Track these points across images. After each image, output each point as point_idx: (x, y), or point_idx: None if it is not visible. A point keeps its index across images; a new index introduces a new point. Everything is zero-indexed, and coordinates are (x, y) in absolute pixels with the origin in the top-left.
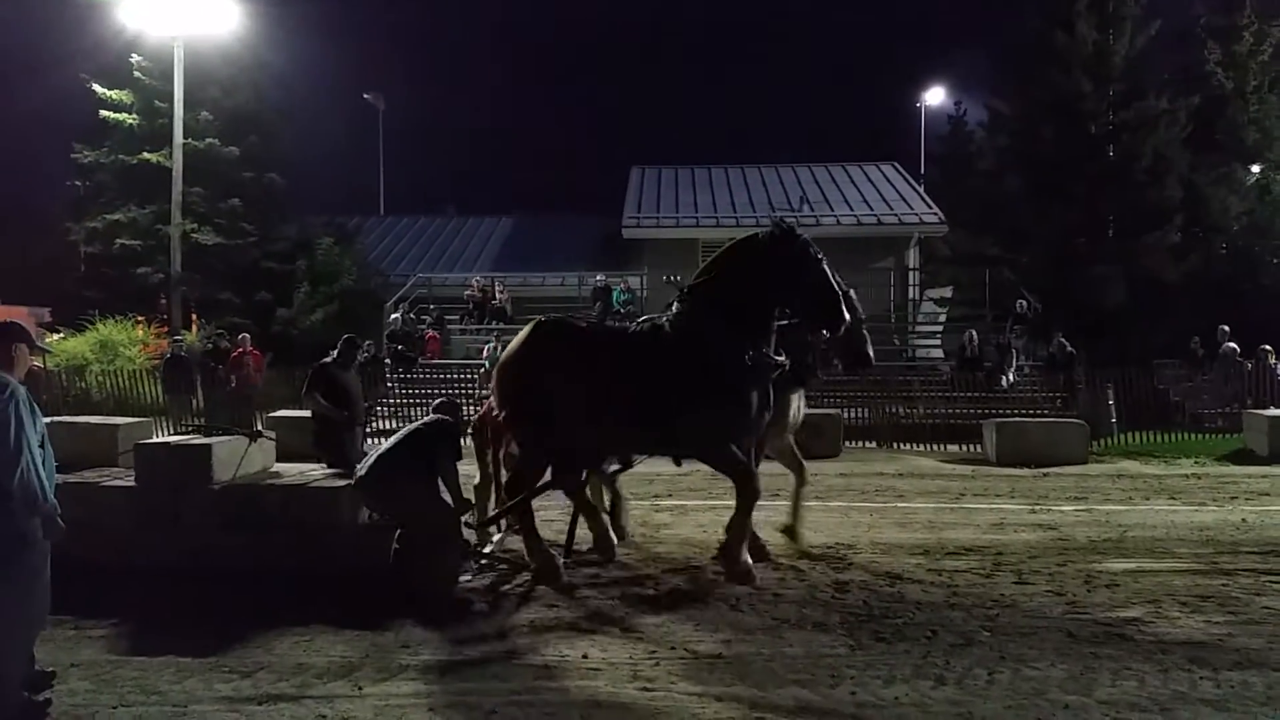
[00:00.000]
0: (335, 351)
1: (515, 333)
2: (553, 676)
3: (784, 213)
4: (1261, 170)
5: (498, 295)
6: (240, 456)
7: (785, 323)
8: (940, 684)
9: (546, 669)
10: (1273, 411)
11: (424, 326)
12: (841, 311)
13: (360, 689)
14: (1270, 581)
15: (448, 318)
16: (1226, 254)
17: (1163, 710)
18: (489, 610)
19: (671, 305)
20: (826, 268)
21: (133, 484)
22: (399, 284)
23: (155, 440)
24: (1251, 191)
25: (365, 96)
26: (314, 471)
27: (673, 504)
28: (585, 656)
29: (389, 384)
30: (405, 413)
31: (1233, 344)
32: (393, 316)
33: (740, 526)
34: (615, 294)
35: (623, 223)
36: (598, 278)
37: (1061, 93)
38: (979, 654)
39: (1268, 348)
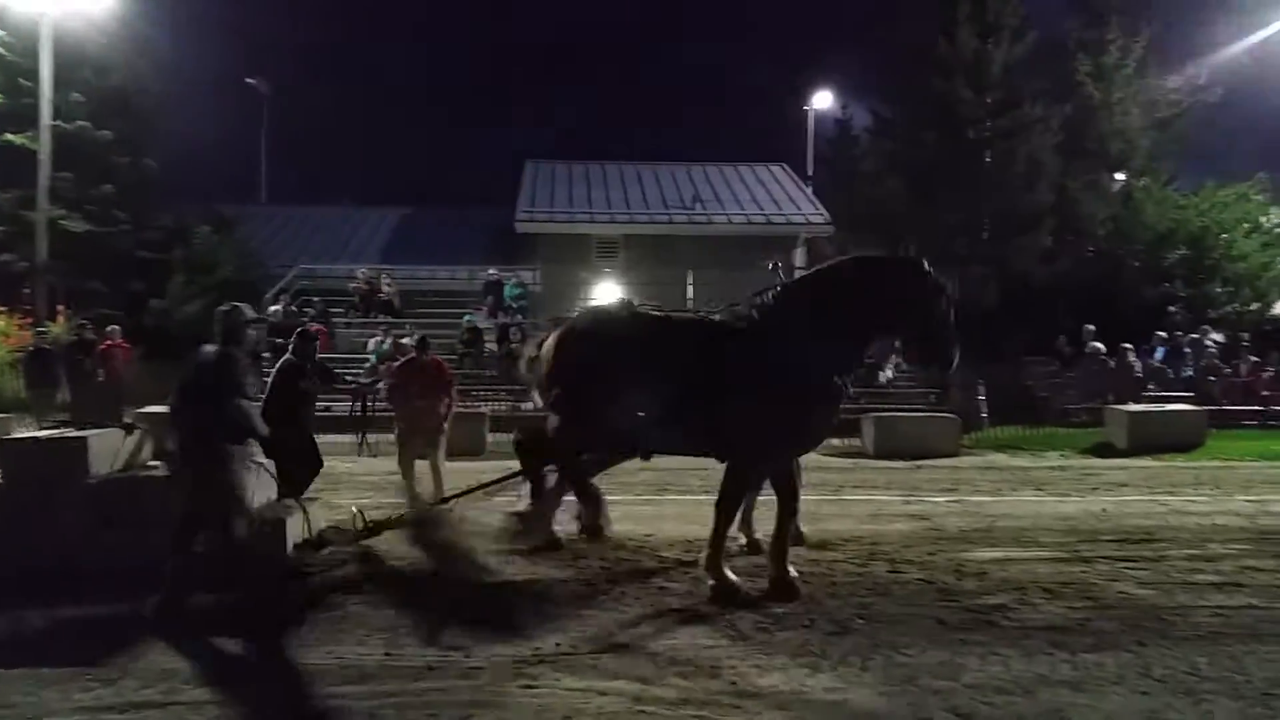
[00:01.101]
0: (291, 347)
1: (403, 327)
2: (434, 676)
3: (676, 211)
4: (1126, 178)
5: (385, 288)
6: (118, 452)
7: None
8: (816, 671)
9: (428, 669)
10: (1132, 407)
11: (306, 319)
12: (953, 355)
13: (233, 693)
14: (1126, 568)
15: (332, 310)
16: (1093, 257)
17: (1025, 692)
18: (365, 606)
19: (764, 295)
20: (951, 309)
21: None
22: (280, 275)
23: (22, 435)
24: (1117, 198)
25: (249, 81)
26: None
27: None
28: (467, 655)
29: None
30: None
31: (1097, 343)
32: (272, 309)
33: (783, 543)
34: (508, 288)
35: (516, 216)
36: (490, 271)
37: (942, 99)
38: (854, 641)
39: (1129, 346)
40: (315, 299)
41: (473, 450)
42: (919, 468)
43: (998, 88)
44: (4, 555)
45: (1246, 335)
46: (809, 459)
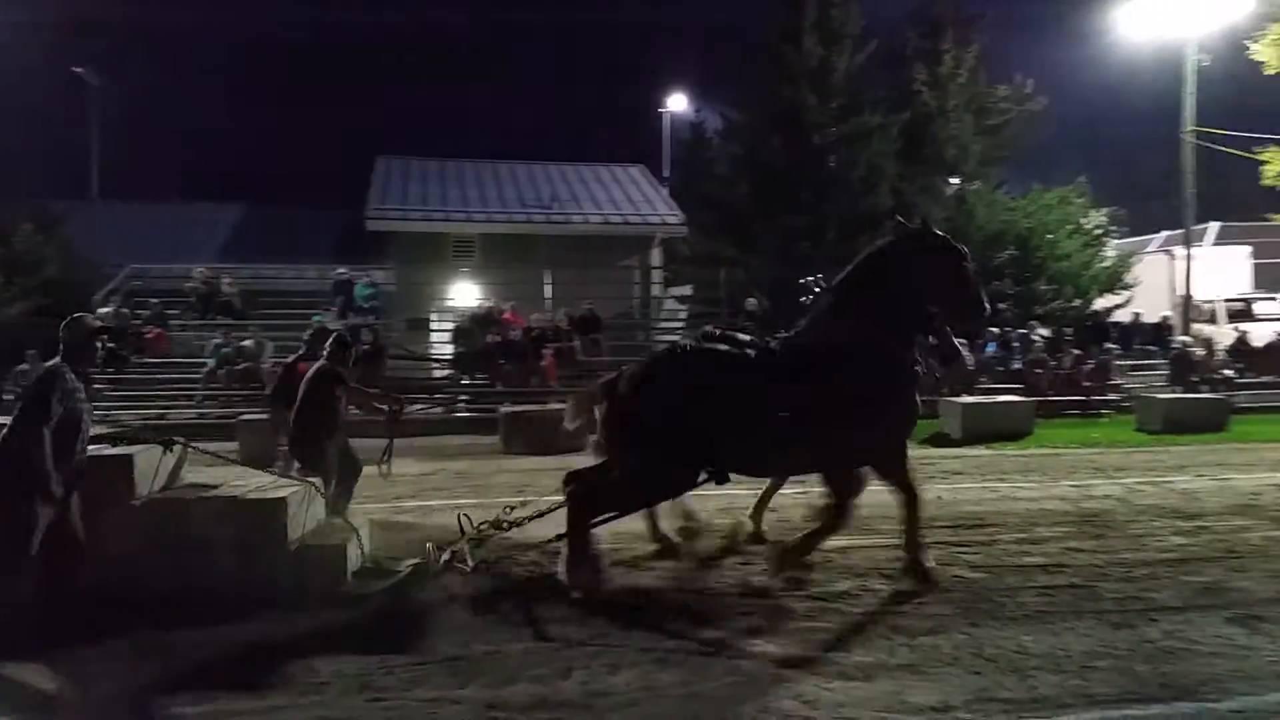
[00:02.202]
0: (325, 351)
1: (245, 329)
2: (278, 693)
3: (534, 209)
4: (959, 182)
5: (225, 288)
6: (157, 470)
7: None
8: (666, 666)
9: (271, 686)
10: (965, 399)
11: (139, 322)
12: (985, 307)
13: None
14: (959, 553)
15: (169, 312)
16: None
17: (866, 677)
18: (190, 624)
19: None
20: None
21: None
22: (112, 275)
23: None
24: (951, 201)
25: (76, 71)
26: (246, 481)
27: (416, 505)
28: (314, 670)
29: (96, 385)
30: (115, 418)
31: (932, 339)
32: (102, 311)
33: (916, 535)
34: (359, 288)
35: (367, 214)
36: (339, 271)
37: (788, 104)
38: (703, 635)
39: (963, 341)
40: (151, 300)
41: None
42: None
43: (840, 94)
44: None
45: (1070, 329)
46: None
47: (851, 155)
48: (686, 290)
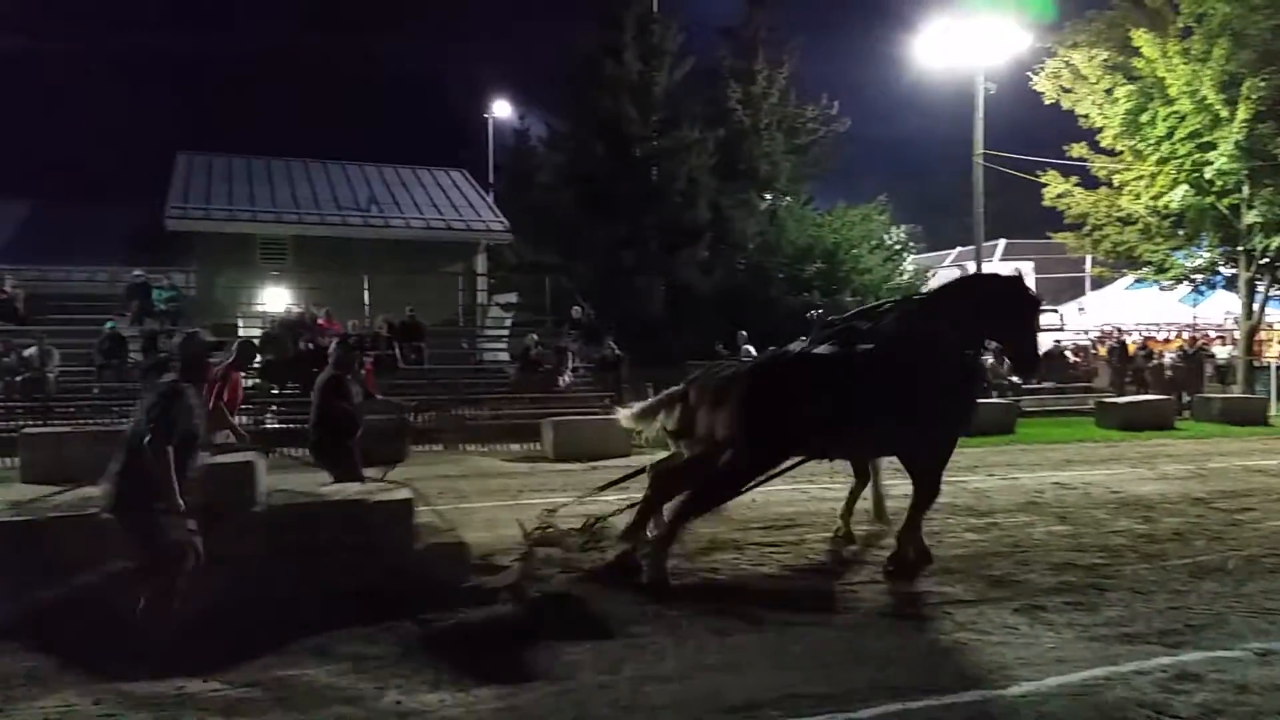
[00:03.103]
0: (331, 357)
1: (28, 334)
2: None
3: (350, 212)
4: (772, 198)
5: (8, 290)
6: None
7: None
8: (486, 681)
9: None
10: None
11: None
12: (1039, 359)
13: None
14: (771, 553)
15: None
16: (745, 269)
17: (683, 678)
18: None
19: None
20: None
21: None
22: None
23: None
24: (764, 216)
25: None
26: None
27: None
28: (97, 702)
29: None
30: None
31: (749, 347)
32: None
33: (917, 526)
34: (156, 292)
35: (166, 213)
36: (135, 273)
37: (610, 116)
38: (525, 646)
39: (774, 348)
40: None
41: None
42: (595, 468)
43: (660, 109)
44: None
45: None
46: (491, 466)
47: (671, 168)
48: (512, 298)
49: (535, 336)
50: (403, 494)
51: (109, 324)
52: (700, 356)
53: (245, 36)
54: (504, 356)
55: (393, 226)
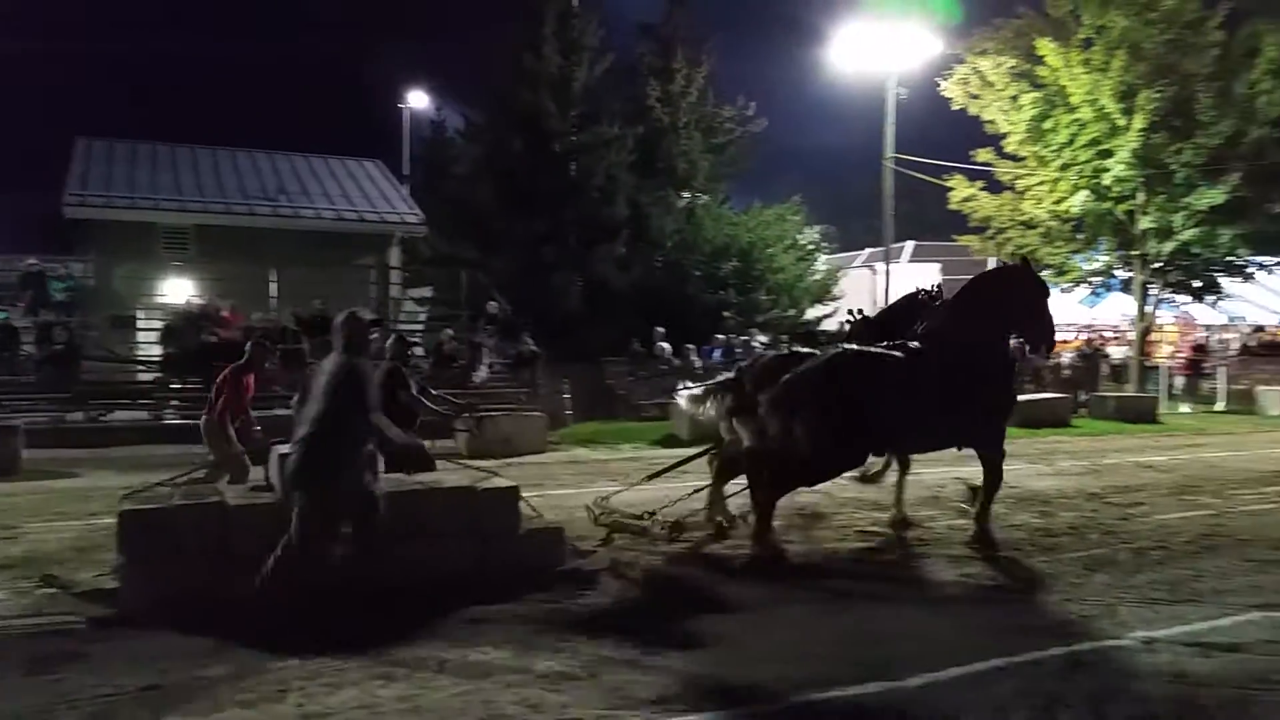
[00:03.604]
0: (389, 350)
1: None
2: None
3: (258, 201)
4: (689, 196)
5: None
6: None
7: None
8: (390, 681)
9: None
10: None
11: None
12: (1055, 339)
13: None
14: (682, 549)
15: None
16: (662, 266)
17: (591, 675)
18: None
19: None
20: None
21: (279, 500)
22: None
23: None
24: (682, 214)
25: None
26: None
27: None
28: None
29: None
30: None
31: (665, 344)
32: None
33: (988, 508)
34: (53, 281)
35: (64, 200)
36: (29, 261)
37: (529, 110)
38: (430, 646)
39: (691, 346)
40: None
41: (3, 470)
42: (509, 465)
43: (580, 104)
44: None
45: (786, 337)
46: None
47: (590, 164)
48: (427, 292)
49: (450, 331)
50: (508, 481)
51: (1, 314)
52: (617, 353)
53: (151, 19)
54: (418, 351)
55: (302, 217)
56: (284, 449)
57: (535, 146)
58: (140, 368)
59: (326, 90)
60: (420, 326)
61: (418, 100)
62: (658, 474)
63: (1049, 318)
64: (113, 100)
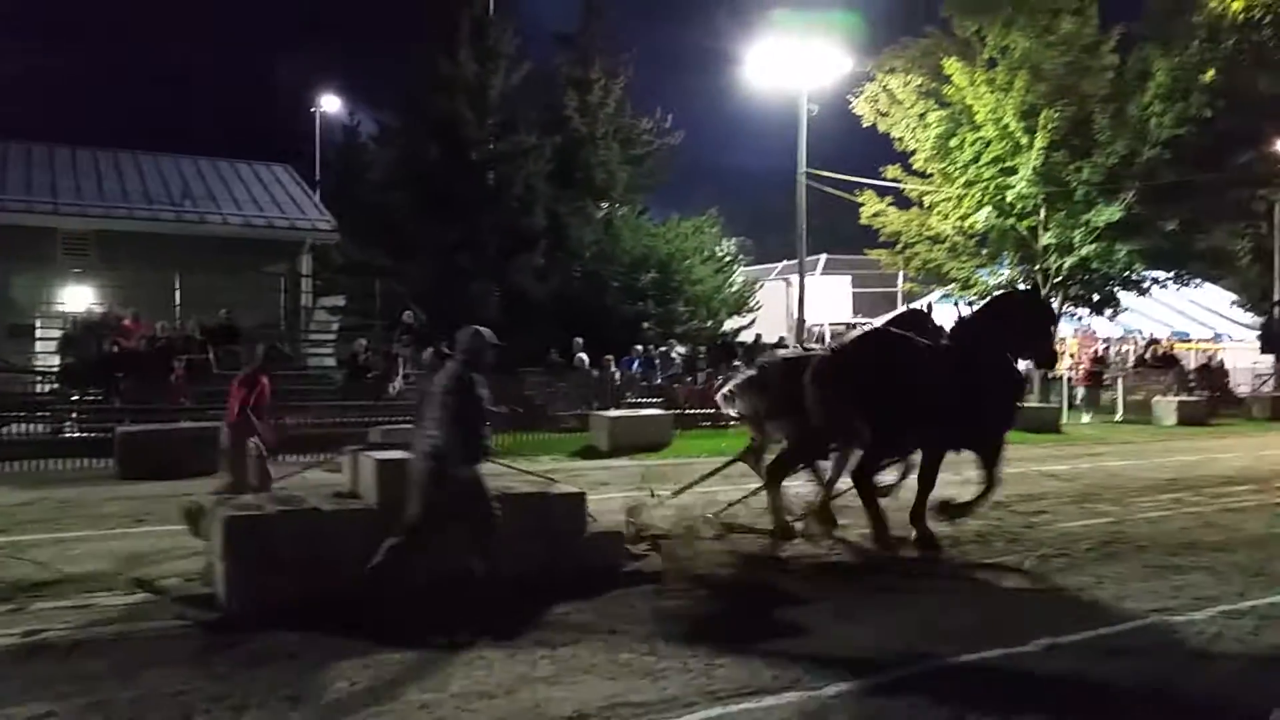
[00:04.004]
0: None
1: None
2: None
3: (162, 206)
4: (608, 207)
5: None
6: None
7: None
8: (297, 704)
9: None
10: (612, 412)
11: None
12: (1057, 356)
13: None
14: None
15: None
16: (581, 277)
17: (507, 693)
18: None
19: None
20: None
21: (370, 507)
22: None
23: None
24: (600, 224)
25: None
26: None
27: (6, 540)
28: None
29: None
30: None
31: (583, 355)
32: None
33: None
34: None
35: None
36: None
37: (446, 117)
38: (340, 666)
39: (610, 357)
40: None
41: None
42: None
43: (497, 112)
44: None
45: (703, 348)
46: (314, 478)
47: (508, 172)
48: (339, 300)
49: (364, 341)
50: (574, 488)
51: None
52: (535, 364)
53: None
54: (330, 362)
55: (209, 223)
56: (376, 455)
57: (452, 153)
58: (38, 378)
59: (236, 93)
60: (332, 336)
61: (330, 104)
62: (687, 486)
63: (1052, 340)
64: (10, 100)
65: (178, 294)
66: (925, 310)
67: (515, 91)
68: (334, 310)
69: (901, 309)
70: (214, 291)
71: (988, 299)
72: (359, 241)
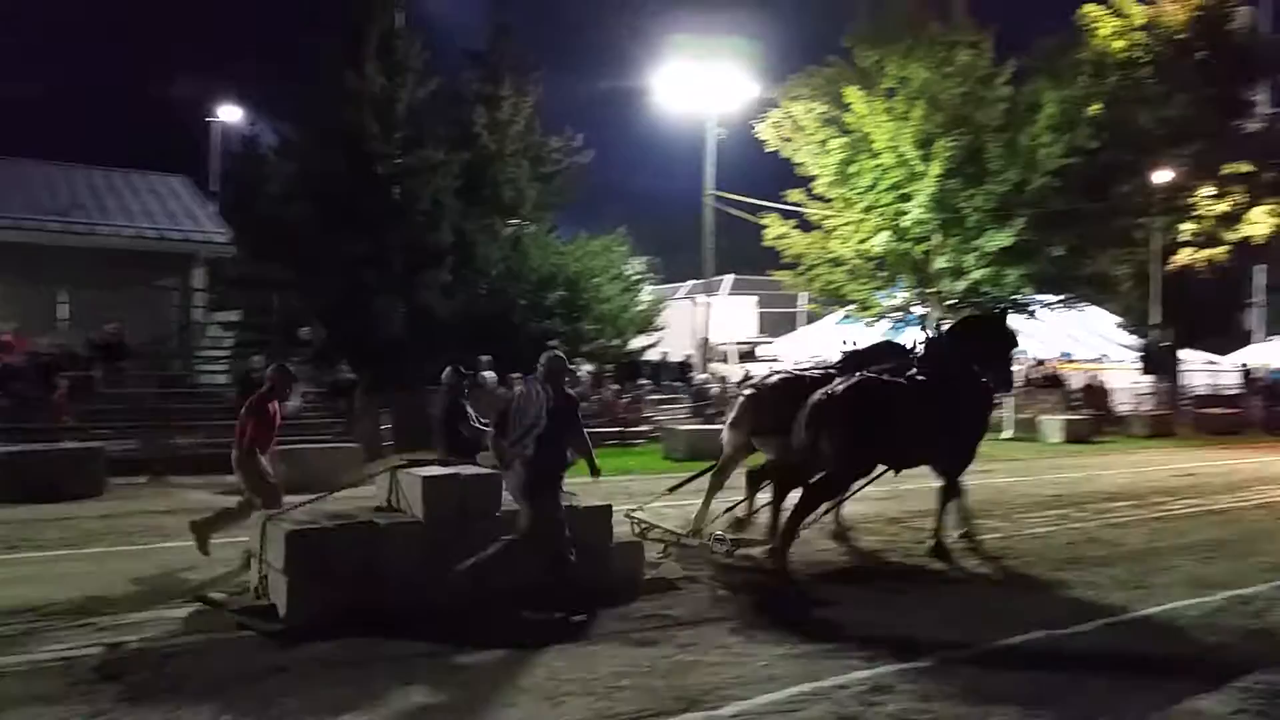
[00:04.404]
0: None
1: None
2: None
3: (48, 217)
4: (516, 224)
5: None
6: None
7: None
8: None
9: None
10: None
11: None
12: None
13: None
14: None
15: None
16: (488, 294)
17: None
18: None
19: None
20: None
21: (417, 520)
22: None
23: (446, 472)
24: (508, 241)
25: None
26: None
27: None
28: None
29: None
30: None
31: (490, 372)
32: None
33: (948, 521)
34: None
35: None
36: None
37: (351, 130)
38: (226, 696)
39: (517, 375)
40: None
41: None
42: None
43: (404, 126)
44: (429, 583)
45: (611, 366)
46: (203, 501)
47: (415, 187)
48: (234, 316)
49: (260, 358)
50: (602, 500)
51: None
52: (439, 381)
53: None
54: (223, 380)
55: (98, 234)
56: (420, 472)
57: (357, 167)
58: None
59: (129, 101)
60: (226, 352)
61: (230, 114)
62: (673, 489)
63: (1010, 364)
64: None
65: (64, 308)
66: (899, 343)
67: (423, 106)
68: (228, 326)
69: (878, 340)
70: (103, 306)
71: (955, 322)
72: (257, 255)
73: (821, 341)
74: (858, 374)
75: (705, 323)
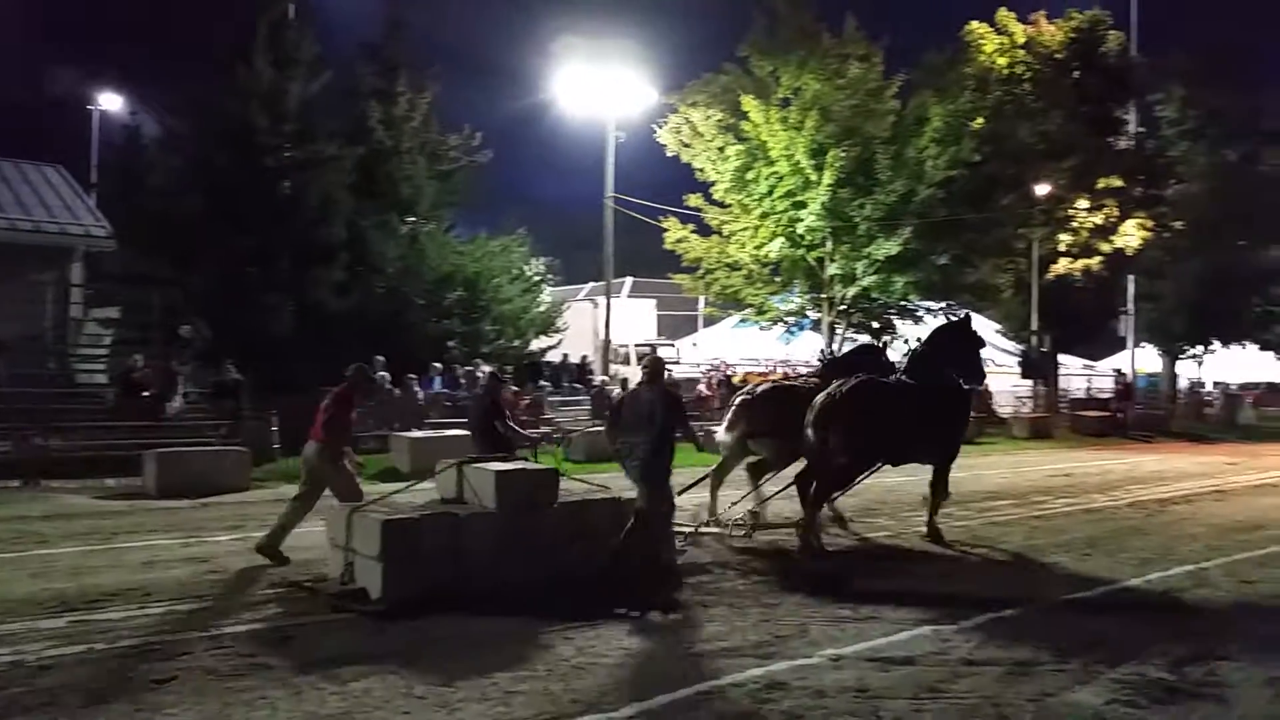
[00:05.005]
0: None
1: None
2: None
3: None
4: (413, 222)
5: None
6: None
7: None
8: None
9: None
10: (414, 433)
11: None
12: (984, 375)
13: None
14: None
15: None
16: (383, 293)
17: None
18: None
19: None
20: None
21: (492, 511)
22: None
23: (514, 468)
24: (405, 239)
25: None
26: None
27: None
28: None
29: None
30: None
31: (385, 373)
32: None
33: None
34: None
35: None
36: None
37: (238, 123)
38: (111, 711)
39: (413, 376)
40: None
41: None
42: (205, 505)
43: (295, 120)
44: (504, 568)
45: (511, 367)
46: (81, 505)
47: (306, 182)
48: (113, 312)
49: (140, 357)
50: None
51: None
52: (333, 382)
53: None
54: (101, 379)
55: None
56: (493, 467)
57: (244, 161)
58: None
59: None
60: (105, 351)
61: (110, 102)
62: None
63: (980, 361)
64: None
65: None
66: (879, 345)
67: (315, 99)
68: (107, 323)
69: (859, 343)
70: None
71: (932, 331)
72: (138, 250)
73: (720, 343)
74: (856, 376)
75: (606, 324)
